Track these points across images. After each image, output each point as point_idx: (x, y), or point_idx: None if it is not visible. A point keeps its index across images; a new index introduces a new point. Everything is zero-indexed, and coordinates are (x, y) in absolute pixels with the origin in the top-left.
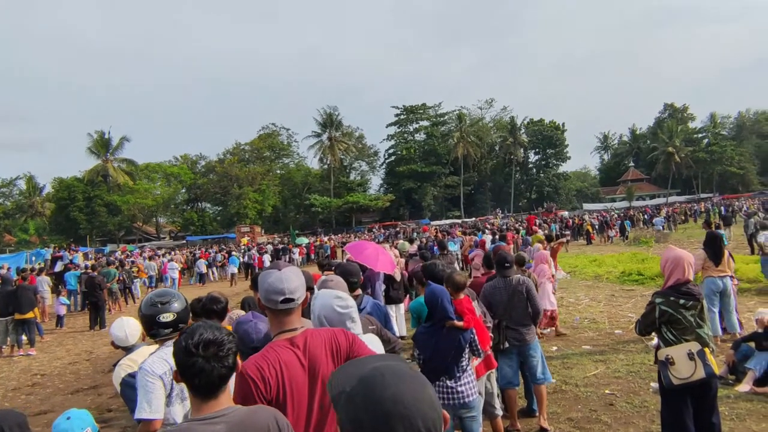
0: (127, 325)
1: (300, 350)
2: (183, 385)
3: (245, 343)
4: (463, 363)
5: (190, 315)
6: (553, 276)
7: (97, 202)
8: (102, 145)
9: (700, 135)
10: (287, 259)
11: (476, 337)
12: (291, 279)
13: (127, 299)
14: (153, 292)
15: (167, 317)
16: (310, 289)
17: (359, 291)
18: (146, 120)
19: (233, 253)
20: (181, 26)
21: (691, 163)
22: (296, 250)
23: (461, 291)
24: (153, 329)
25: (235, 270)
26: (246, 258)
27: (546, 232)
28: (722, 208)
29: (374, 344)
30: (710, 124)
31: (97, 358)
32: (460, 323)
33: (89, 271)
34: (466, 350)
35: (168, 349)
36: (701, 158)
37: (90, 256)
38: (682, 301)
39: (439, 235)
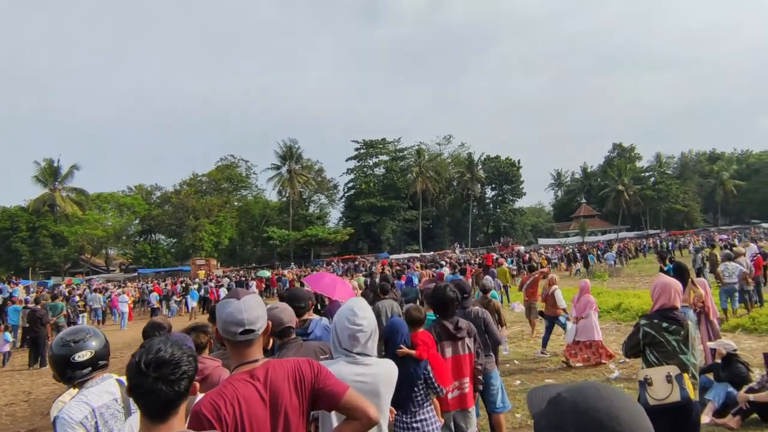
0: None
1: (260, 383)
2: (112, 426)
3: None
4: (418, 398)
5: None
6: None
7: (42, 232)
8: (50, 174)
9: (647, 174)
10: None
11: (431, 373)
12: (251, 308)
13: None
14: (64, 330)
15: (83, 355)
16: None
17: (307, 316)
18: (100, 149)
19: (193, 286)
20: (137, 55)
21: (639, 201)
22: (253, 283)
23: (419, 326)
24: (68, 372)
25: (195, 304)
26: (202, 291)
27: (511, 265)
28: (669, 243)
29: (389, 370)
30: (656, 164)
31: (36, 399)
32: (412, 351)
33: (31, 305)
34: (420, 384)
35: (88, 391)
36: (649, 196)
37: (32, 289)
38: (665, 325)
39: (386, 270)
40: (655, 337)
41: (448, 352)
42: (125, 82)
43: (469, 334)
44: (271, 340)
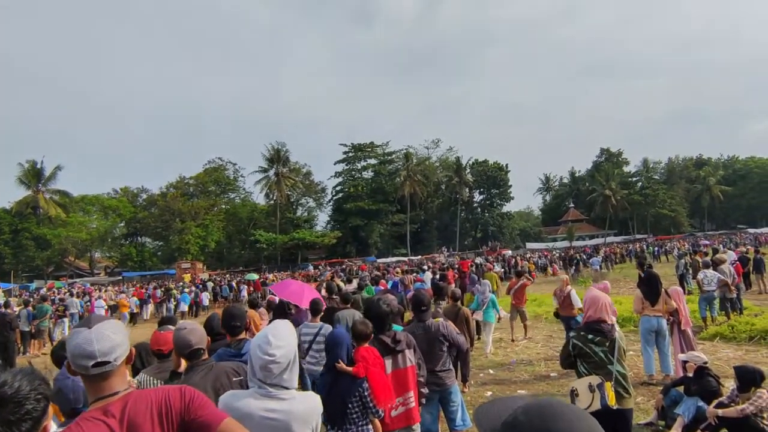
0: None
1: (116, 419)
2: None
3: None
4: (353, 415)
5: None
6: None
7: (24, 235)
8: (33, 176)
9: (634, 179)
10: (234, 297)
11: (368, 392)
12: (104, 338)
13: (45, 341)
14: None
15: None
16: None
17: (243, 335)
18: (85, 151)
19: (177, 291)
20: (124, 56)
21: (626, 205)
22: (243, 288)
23: (362, 340)
24: None
25: (186, 308)
26: (193, 295)
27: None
28: (655, 248)
29: (308, 406)
30: (643, 169)
31: None
32: (349, 369)
33: (1, 308)
34: (355, 401)
35: None
36: (636, 200)
37: (13, 292)
38: (590, 336)
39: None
40: (583, 348)
41: (389, 366)
42: (111, 83)
43: (408, 345)
44: (183, 363)
